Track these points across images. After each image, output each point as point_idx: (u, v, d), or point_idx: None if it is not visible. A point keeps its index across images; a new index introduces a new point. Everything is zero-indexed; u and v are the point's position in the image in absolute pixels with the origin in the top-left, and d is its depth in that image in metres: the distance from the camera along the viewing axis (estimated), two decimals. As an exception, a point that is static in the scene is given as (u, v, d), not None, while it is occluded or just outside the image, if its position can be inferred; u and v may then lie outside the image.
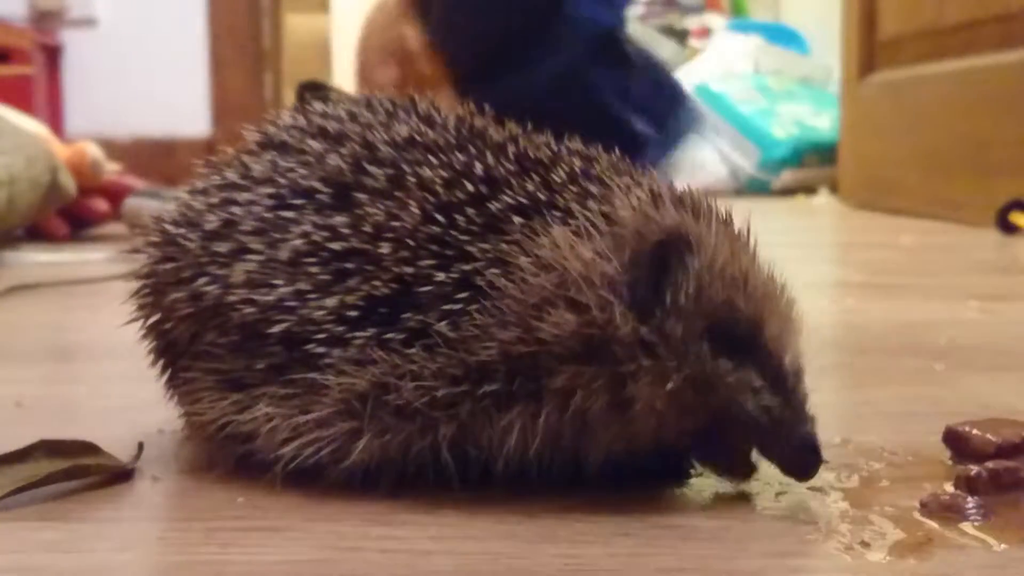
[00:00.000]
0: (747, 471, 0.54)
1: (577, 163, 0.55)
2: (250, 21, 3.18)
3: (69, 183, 1.81)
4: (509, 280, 0.50)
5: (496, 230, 0.52)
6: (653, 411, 0.50)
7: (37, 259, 1.80)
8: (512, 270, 0.51)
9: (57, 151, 2.10)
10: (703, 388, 0.51)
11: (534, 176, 0.54)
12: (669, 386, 0.50)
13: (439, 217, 0.52)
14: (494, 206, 0.52)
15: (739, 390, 0.51)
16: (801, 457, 0.52)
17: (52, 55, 3.02)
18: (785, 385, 0.52)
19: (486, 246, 0.51)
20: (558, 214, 0.52)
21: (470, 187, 0.53)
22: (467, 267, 0.51)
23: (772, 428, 0.51)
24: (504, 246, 0.51)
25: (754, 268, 0.53)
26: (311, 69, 3.78)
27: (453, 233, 0.52)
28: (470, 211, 0.52)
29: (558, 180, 0.53)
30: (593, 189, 0.53)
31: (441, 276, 0.51)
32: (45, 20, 3.00)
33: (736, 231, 0.54)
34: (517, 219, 0.52)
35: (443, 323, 0.51)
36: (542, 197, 0.53)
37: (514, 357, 0.50)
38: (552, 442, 0.51)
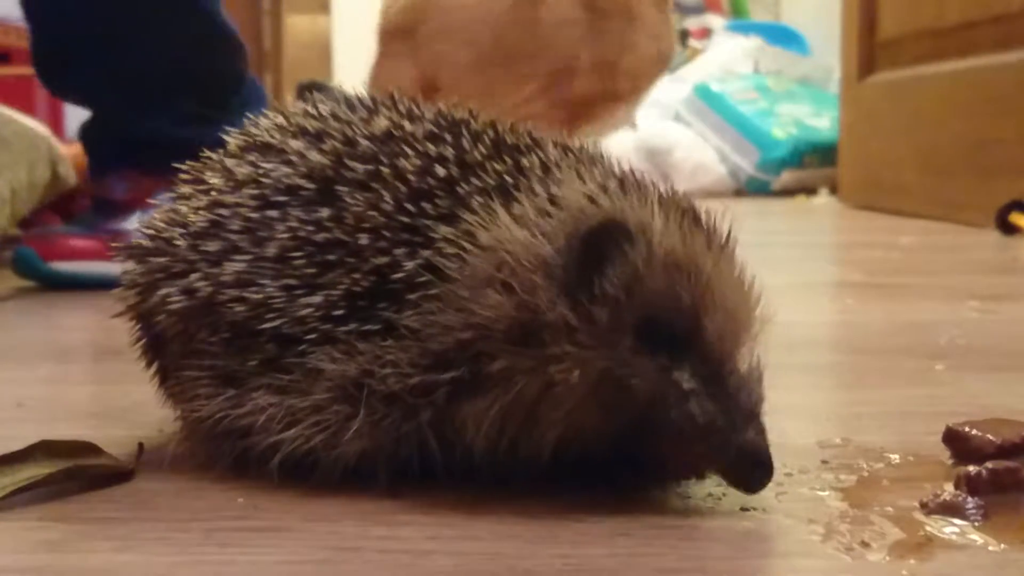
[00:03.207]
0: (687, 474, 0.53)
1: (553, 151, 0.55)
2: (250, 21, 3.19)
3: (68, 172, 1.82)
4: (458, 264, 0.51)
5: (459, 213, 0.52)
6: (572, 398, 0.50)
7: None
8: (461, 252, 0.51)
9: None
10: (621, 382, 0.49)
11: (507, 160, 0.54)
12: (585, 373, 0.49)
13: (410, 206, 0.53)
14: (463, 189, 0.53)
15: (664, 390, 0.49)
16: (738, 468, 0.50)
17: (52, 56, 3.01)
18: (723, 389, 0.50)
19: (447, 230, 0.52)
20: (516, 197, 0.52)
21: (442, 172, 0.53)
22: (428, 252, 0.51)
23: (701, 435, 0.49)
24: (464, 225, 0.52)
25: (706, 263, 0.51)
26: (311, 70, 3.78)
27: (422, 220, 0.52)
28: (439, 195, 0.53)
29: (528, 165, 0.54)
30: (557, 175, 0.53)
31: (409, 264, 0.51)
32: (45, 21, 3.00)
33: (706, 230, 0.52)
34: (477, 200, 0.52)
35: (409, 312, 0.51)
36: (509, 180, 0.53)
37: (464, 343, 0.50)
38: (508, 430, 0.51)
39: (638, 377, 0.50)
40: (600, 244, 0.50)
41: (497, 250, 0.50)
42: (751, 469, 0.50)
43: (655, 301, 0.50)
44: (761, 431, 0.50)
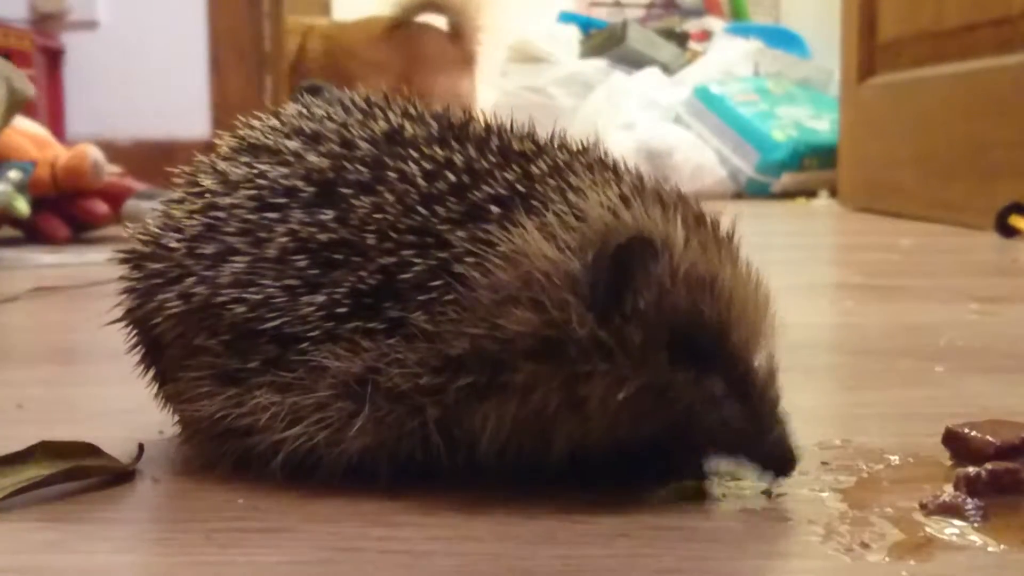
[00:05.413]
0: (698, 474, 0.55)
1: (561, 156, 0.55)
2: (251, 24, 3.19)
3: (24, 85, 1.79)
4: (480, 272, 0.51)
5: (474, 219, 0.52)
6: (607, 413, 0.51)
7: (39, 261, 1.80)
8: (483, 262, 0.51)
9: (59, 153, 2.11)
10: (660, 396, 0.51)
11: (515, 168, 0.54)
12: (624, 391, 0.50)
13: (420, 208, 0.53)
14: (475, 195, 0.53)
15: (700, 400, 0.51)
16: (771, 461, 0.52)
17: (53, 57, 3.02)
18: (751, 393, 0.52)
19: (463, 234, 0.52)
20: (535, 206, 0.52)
21: (452, 177, 0.53)
22: (444, 254, 0.52)
23: (736, 438, 0.52)
24: (480, 234, 0.52)
25: (725, 272, 0.52)
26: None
27: (433, 221, 0.52)
28: (451, 200, 0.53)
29: (538, 172, 0.54)
30: (573, 182, 0.53)
31: (420, 264, 0.52)
32: (46, 22, 3.00)
33: (715, 233, 0.53)
34: (495, 209, 0.52)
35: (420, 313, 0.51)
36: (521, 189, 0.53)
37: (483, 351, 0.51)
38: (521, 434, 0.52)
39: (677, 389, 0.51)
40: (629, 262, 0.50)
41: (522, 263, 0.51)
42: (781, 462, 0.52)
43: (681, 316, 0.51)
44: (784, 424, 0.52)
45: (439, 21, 3.76)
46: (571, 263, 0.50)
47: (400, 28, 3.67)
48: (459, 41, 3.68)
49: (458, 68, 3.64)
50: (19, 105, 1.76)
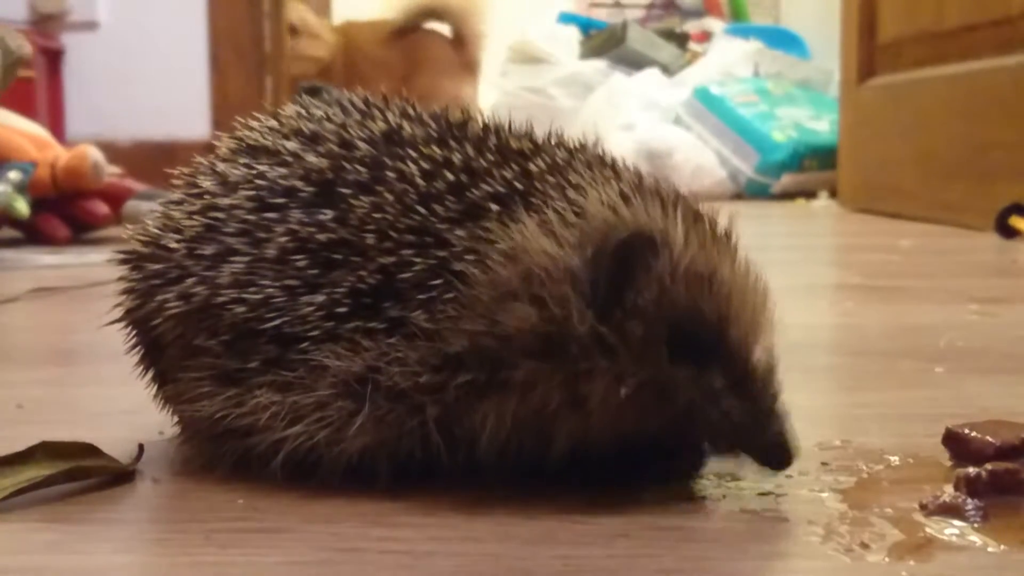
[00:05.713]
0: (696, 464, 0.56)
1: (559, 154, 0.55)
2: (251, 24, 3.19)
3: (19, 43, 1.77)
4: (479, 269, 0.51)
5: (473, 217, 0.52)
6: (608, 410, 0.51)
7: (39, 262, 1.80)
8: (483, 259, 0.51)
9: (59, 154, 2.11)
10: (661, 392, 0.51)
11: (513, 166, 0.54)
12: (625, 387, 0.50)
13: (419, 207, 0.53)
14: (473, 194, 0.53)
15: (700, 395, 0.51)
16: (770, 456, 0.53)
17: (53, 58, 3.02)
18: (751, 387, 0.52)
19: (462, 233, 0.52)
20: (534, 203, 0.52)
21: (451, 176, 0.53)
22: (443, 253, 0.52)
23: (735, 431, 0.52)
24: (479, 232, 0.52)
25: (724, 268, 0.52)
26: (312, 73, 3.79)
27: (433, 220, 0.53)
28: (450, 199, 0.53)
29: (536, 170, 0.54)
30: (572, 180, 0.53)
31: (419, 263, 0.52)
32: (46, 23, 3.00)
33: (713, 230, 0.54)
34: (494, 207, 0.52)
35: (420, 312, 0.51)
36: (520, 187, 0.53)
37: (483, 349, 0.51)
38: (521, 432, 0.52)
39: (677, 385, 0.51)
40: (629, 258, 0.50)
41: (522, 259, 0.51)
42: (779, 455, 0.52)
43: (682, 312, 0.51)
44: (784, 419, 0.52)
45: (443, 28, 3.81)
46: (571, 259, 0.50)
47: (404, 33, 3.71)
48: (461, 47, 3.72)
49: (460, 74, 3.70)
50: (16, 65, 1.75)
